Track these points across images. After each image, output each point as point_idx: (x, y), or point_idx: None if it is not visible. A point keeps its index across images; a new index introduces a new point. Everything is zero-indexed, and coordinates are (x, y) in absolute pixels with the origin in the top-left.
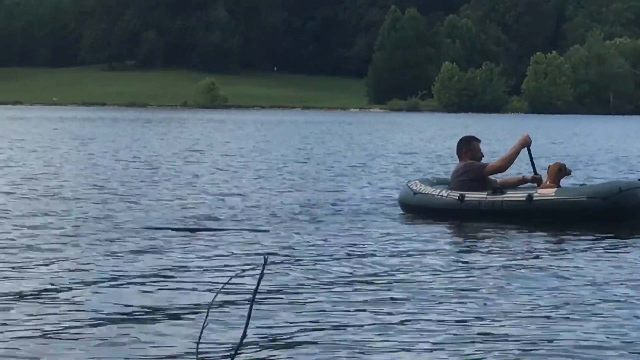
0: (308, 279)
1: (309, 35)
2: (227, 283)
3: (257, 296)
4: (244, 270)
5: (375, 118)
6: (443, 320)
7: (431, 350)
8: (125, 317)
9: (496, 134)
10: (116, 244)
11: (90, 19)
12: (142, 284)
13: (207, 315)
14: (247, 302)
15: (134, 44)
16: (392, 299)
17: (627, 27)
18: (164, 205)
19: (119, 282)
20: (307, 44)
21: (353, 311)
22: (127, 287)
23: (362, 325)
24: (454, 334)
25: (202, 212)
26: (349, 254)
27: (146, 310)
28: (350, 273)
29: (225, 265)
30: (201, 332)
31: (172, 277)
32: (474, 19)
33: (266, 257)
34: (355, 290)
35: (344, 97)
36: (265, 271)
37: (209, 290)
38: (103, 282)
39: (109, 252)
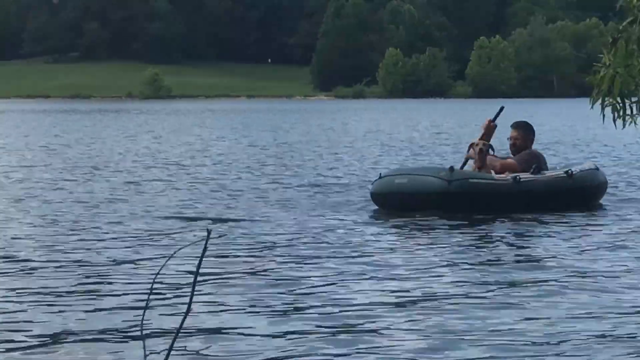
0: (255, 250)
1: (253, 23)
2: (172, 257)
3: (202, 271)
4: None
5: (318, 106)
6: (400, 294)
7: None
8: (67, 292)
9: (443, 118)
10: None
11: (33, 11)
12: (82, 262)
13: (150, 290)
14: (192, 275)
15: (76, 35)
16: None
17: (568, 11)
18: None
19: (61, 262)
20: (250, 31)
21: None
22: (67, 265)
23: (308, 300)
24: (418, 312)
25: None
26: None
27: (90, 287)
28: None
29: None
30: (145, 308)
31: (118, 254)
32: (416, 4)
33: (209, 229)
34: (303, 271)
35: (289, 85)
36: (209, 244)
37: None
38: (46, 259)
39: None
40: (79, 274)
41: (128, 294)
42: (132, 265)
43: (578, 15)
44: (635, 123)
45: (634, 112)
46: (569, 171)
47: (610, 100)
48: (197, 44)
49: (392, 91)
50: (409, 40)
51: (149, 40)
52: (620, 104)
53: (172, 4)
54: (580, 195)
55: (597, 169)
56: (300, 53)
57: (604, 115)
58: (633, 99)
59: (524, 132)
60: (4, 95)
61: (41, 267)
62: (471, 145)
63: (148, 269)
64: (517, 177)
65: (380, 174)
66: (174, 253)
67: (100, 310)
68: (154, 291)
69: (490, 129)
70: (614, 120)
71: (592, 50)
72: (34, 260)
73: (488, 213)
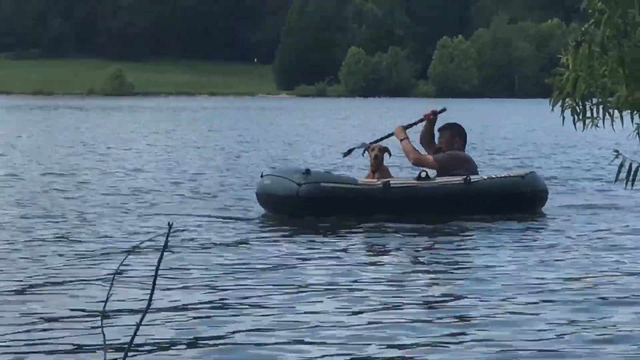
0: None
1: (216, 19)
2: (133, 251)
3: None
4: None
5: (274, 104)
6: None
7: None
8: (28, 285)
9: (404, 117)
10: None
11: None
12: (47, 253)
13: (111, 284)
14: (153, 269)
15: (40, 31)
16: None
17: (531, 11)
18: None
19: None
20: (214, 28)
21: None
22: (29, 257)
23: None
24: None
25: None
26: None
27: (53, 279)
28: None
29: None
30: (106, 302)
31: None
32: (380, 3)
33: (170, 223)
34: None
35: (252, 83)
36: (170, 238)
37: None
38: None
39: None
40: (31, 273)
41: (87, 296)
42: (92, 262)
43: (541, 16)
44: (596, 126)
45: (595, 114)
46: (467, 178)
47: (571, 102)
48: (161, 40)
49: (354, 90)
50: (371, 39)
51: (113, 35)
52: (581, 107)
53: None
54: (481, 203)
55: (524, 177)
56: (264, 51)
57: (563, 117)
58: (594, 101)
59: (449, 134)
60: None
61: None
62: (367, 149)
63: (106, 268)
64: (388, 183)
65: (262, 172)
66: (134, 248)
67: (60, 309)
68: (113, 291)
69: (429, 120)
70: (574, 123)
71: (554, 51)
72: None
73: (350, 219)
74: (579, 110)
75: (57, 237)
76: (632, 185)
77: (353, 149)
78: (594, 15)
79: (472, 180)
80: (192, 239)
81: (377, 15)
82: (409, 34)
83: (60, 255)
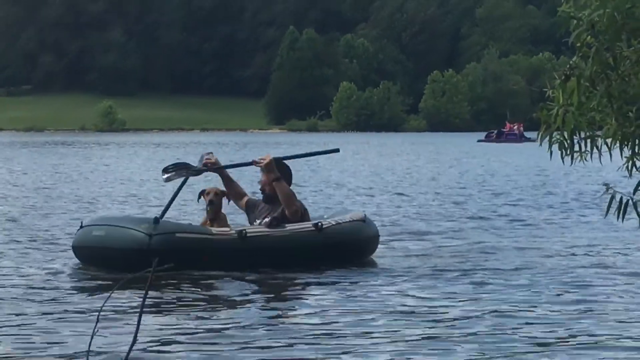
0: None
1: (207, 55)
2: (118, 287)
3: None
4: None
5: (274, 138)
6: None
7: None
8: (17, 320)
9: (396, 151)
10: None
11: None
12: (32, 287)
13: (97, 320)
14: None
15: (31, 67)
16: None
17: (521, 45)
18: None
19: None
20: (205, 64)
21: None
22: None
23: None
24: None
25: None
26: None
27: (38, 314)
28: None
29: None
30: (92, 338)
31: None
32: (370, 38)
33: (155, 260)
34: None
35: (243, 118)
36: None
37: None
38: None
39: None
40: (20, 305)
41: (73, 333)
42: (79, 297)
43: (531, 50)
44: (584, 160)
45: (583, 148)
46: (319, 224)
47: (558, 136)
48: (152, 76)
49: (346, 125)
50: (362, 74)
51: (104, 72)
52: (569, 141)
53: (128, 36)
54: (334, 251)
55: (364, 220)
56: (255, 86)
57: (551, 152)
58: (582, 135)
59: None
60: None
61: None
62: (202, 194)
63: (92, 304)
64: (243, 232)
65: (81, 223)
66: (120, 284)
67: (47, 343)
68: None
69: (268, 165)
70: (562, 157)
71: (545, 85)
72: None
73: (207, 271)
74: (566, 145)
75: None
76: (623, 218)
77: (171, 170)
78: (582, 49)
79: (323, 226)
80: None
81: (369, 50)
82: (400, 68)
83: None
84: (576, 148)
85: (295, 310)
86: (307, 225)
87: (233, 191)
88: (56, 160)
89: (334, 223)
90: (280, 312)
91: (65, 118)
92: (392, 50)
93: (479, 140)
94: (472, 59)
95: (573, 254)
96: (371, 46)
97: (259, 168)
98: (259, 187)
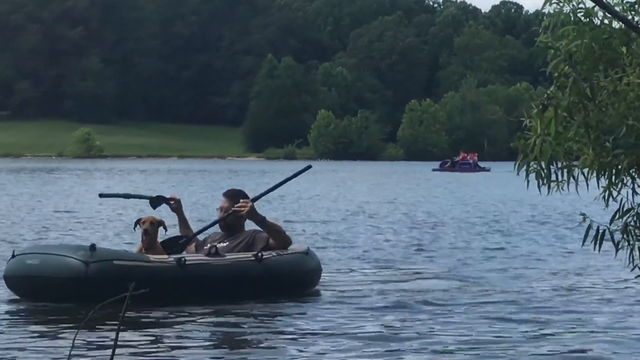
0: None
1: (185, 83)
2: (95, 311)
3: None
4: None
5: (254, 166)
6: None
7: None
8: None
9: (373, 179)
10: None
11: None
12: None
13: (73, 343)
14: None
15: (8, 93)
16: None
17: (499, 75)
18: None
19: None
20: (182, 92)
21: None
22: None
23: None
24: None
25: None
26: None
27: (19, 334)
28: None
29: None
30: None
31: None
32: (349, 66)
33: (132, 284)
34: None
35: (221, 145)
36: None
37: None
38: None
39: None
40: None
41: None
42: (55, 323)
43: (509, 79)
44: (561, 189)
45: (560, 178)
46: (259, 255)
47: (536, 166)
48: (129, 103)
49: (324, 153)
50: (341, 102)
51: (81, 99)
52: (546, 171)
53: (104, 63)
54: (274, 282)
55: (307, 252)
56: (232, 114)
57: (528, 181)
58: (559, 165)
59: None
60: None
61: None
62: (138, 222)
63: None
64: (182, 260)
65: (13, 252)
66: (96, 309)
67: None
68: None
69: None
70: (539, 187)
71: (522, 114)
72: None
73: (146, 301)
74: (543, 175)
75: None
76: (600, 248)
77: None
78: (559, 79)
79: (263, 257)
80: None
81: (347, 79)
82: (378, 97)
83: None
84: (553, 177)
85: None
86: (247, 255)
87: (185, 234)
88: (23, 187)
89: (274, 254)
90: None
91: (42, 144)
92: (370, 79)
93: (433, 170)
94: (450, 88)
95: (546, 280)
96: (349, 75)
97: (218, 206)
98: (218, 215)
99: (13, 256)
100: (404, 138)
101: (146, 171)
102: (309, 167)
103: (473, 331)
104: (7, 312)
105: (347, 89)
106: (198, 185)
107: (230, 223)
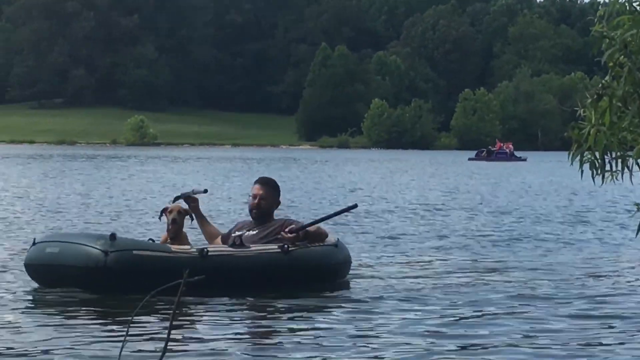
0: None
1: (239, 71)
2: (149, 298)
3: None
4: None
5: (307, 154)
6: None
7: None
8: (42, 330)
9: (425, 169)
10: None
11: (19, 56)
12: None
13: (127, 331)
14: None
15: (62, 80)
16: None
17: (554, 64)
18: None
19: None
20: (236, 80)
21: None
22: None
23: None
24: None
25: None
26: None
27: (70, 323)
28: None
29: None
30: (122, 348)
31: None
32: (402, 55)
33: (186, 271)
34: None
35: (274, 134)
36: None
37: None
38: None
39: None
40: (47, 316)
41: (102, 340)
42: (106, 305)
43: (563, 69)
44: (615, 179)
45: (614, 168)
46: (285, 246)
47: (589, 156)
48: (183, 91)
49: (377, 142)
50: (394, 91)
51: (136, 86)
52: (600, 161)
53: (159, 51)
54: (300, 275)
55: (336, 245)
56: (286, 102)
57: (582, 171)
58: (613, 155)
59: (273, 191)
60: None
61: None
62: (164, 211)
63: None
64: (205, 250)
65: (34, 239)
66: (150, 296)
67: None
68: (128, 336)
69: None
70: (593, 177)
71: (577, 104)
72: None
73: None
74: (597, 165)
75: None
76: None
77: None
78: (614, 69)
79: (290, 249)
80: None
81: (400, 68)
82: (431, 86)
83: None
84: (607, 168)
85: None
86: (272, 247)
87: (206, 232)
88: (97, 173)
89: (302, 246)
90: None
91: (96, 132)
92: (424, 68)
93: (469, 159)
94: (504, 77)
95: (595, 274)
96: (403, 64)
97: (250, 192)
98: (249, 203)
99: (34, 244)
100: (457, 127)
101: (211, 159)
102: (355, 205)
103: (519, 330)
104: (41, 302)
105: (401, 78)
106: (253, 174)
107: (265, 210)
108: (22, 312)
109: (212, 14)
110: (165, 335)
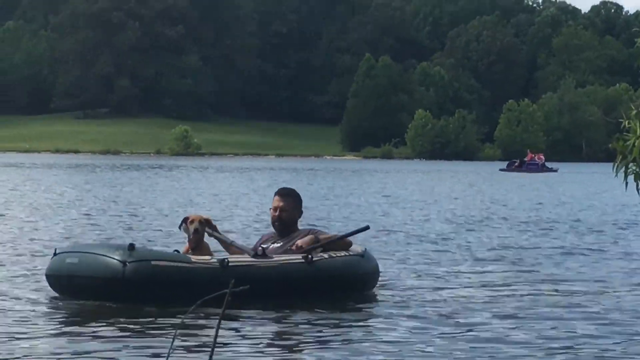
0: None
1: (283, 81)
2: (194, 308)
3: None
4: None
5: (349, 165)
6: None
7: None
8: (90, 339)
9: (460, 179)
10: None
11: (64, 66)
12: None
13: (173, 340)
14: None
15: (107, 90)
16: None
17: (598, 75)
18: None
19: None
20: (280, 90)
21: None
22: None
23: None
24: None
25: None
26: None
27: (118, 335)
28: None
29: None
30: (168, 357)
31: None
32: (446, 66)
33: (232, 281)
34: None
35: (318, 144)
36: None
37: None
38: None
39: None
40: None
41: (149, 346)
42: (153, 317)
43: (608, 80)
44: None
45: None
46: (309, 257)
47: (634, 168)
48: (227, 101)
49: (421, 152)
50: (438, 102)
51: (180, 96)
52: None
53: (204, 61)
54: (324, 286)
55: (363, 255)
56: (330, 112)
57: (627, 183)
58: None
59: (295, 202)
60: (34, 150)
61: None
62: (184, 221)
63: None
64: (225, 261)
65: (55, 250)
66: (196, 305)
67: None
68: (174, 346)
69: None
70: (637, 188)
71: (621, 116)
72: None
73: (186, 303)
74: None
75: None
76: None
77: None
78: None
79: (313, 259)
80: None
81: (444, 79)
82: (475, 97)
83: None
84: None
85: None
86: (296, 257)
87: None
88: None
89: (326, 256)
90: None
91: (140, 141)
92: (468, 79)
93: (500, 169)
94: (548, 88)
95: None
96: (447, 74)
97: (271, 206)
98: (270, 216)
99: (55, 254)
100: (501, 138)
101: (254, 169)
102: (367, 227)
103: (559, 345)
104: (74, 313)
105: (445, 88)
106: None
107: (286, 222)
108: (61, 322)
109: (256, 24)
110: (209, 347)
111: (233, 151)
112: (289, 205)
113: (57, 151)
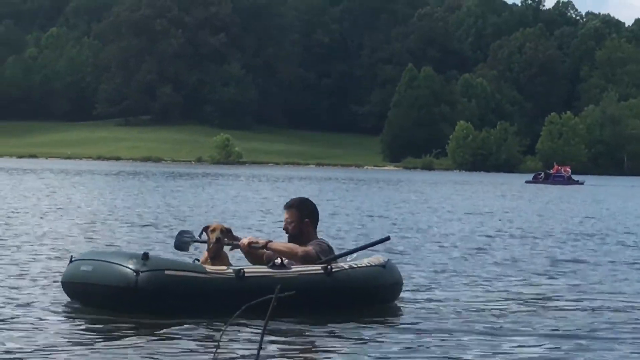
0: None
1: (325, 91)
2: (239, 313)
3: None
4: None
5: (389, 175)
6: None
7: None
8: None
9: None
10: None
11: (107, 73)
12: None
13: (217, 346)
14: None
15: (150, 98)
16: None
17: None
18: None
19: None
20: (322, 99)
21: None
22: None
23: None
24: None
25: None
26: None
27: (161, 342)
28: None
29: None
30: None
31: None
32: (489, 78)
33: (278, 286)
34: None
35: (359, 154)
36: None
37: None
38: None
39: None
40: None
41: (193, 350)
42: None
43: None
44: None
45: None
46: (328, 267)
47: None
48: (269, 110)
49: (461, 164)
50: (480, 114)
51: (222, 104)
52: None
53: (246, 70)
54: (343, 298)
55: (385, 265)
56: (371, 122)
57: None
58: None
59: (299, 212)
60: (76, 156)
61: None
62: (205, 229)
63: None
64: (241, 271)
65: (71, 257)
66: (241, 310)
67: None
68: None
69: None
70: None
71: None
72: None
73: (201, 314)
74: None
75: None
76: None
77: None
78: None
79: (333, 270)
80: None
81: (486, 90)
82: (517, 109)
83: None
84: None
85: None
86: (315, 267)
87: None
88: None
89: (346, 267)
90: None
91: (182, 149)
92: (510, 90)
93: (526, 181)
94: (590, 101)
95: None
96: (489, 86)
97: (283, 210)
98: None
99: (71, 261)
100: (542, 150)
101: (295, 178)
102: (388, 238)
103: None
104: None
105: (487, 100)
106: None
107: (294, 234)
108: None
109: (298, 34)
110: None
111: (274, 160)
112: (293, 216)
113: (98, 158)
